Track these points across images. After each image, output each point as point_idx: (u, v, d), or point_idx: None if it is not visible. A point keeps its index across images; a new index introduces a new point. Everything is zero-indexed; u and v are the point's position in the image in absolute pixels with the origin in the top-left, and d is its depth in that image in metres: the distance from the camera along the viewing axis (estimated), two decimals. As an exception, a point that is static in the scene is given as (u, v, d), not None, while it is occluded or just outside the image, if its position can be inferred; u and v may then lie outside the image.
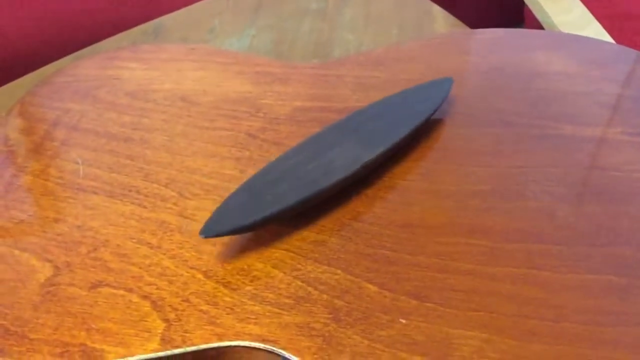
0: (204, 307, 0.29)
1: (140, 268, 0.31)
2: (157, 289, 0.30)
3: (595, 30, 0.67)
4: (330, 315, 0.29)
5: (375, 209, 0.33)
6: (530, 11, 0.74)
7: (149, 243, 0.32)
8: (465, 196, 0.33)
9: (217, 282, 0.30)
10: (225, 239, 0.32)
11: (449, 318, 0.28)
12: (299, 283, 0.30)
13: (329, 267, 0.31)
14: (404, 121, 0.36)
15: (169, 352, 0.27)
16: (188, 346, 0.28)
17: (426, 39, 0.44)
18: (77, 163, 0.36)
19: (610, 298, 0.28)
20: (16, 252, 0.32)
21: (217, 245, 0.32)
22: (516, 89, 0.40)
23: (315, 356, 0.27)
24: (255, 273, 0.30)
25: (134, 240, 0.32)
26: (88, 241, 0.32)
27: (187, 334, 0.28)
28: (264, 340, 0.28)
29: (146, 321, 0.29)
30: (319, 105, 0.39)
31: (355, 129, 0.36)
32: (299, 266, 0.31)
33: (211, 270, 0.31)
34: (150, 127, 0.38)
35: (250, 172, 0.35)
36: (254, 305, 0.29)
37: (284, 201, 0.31)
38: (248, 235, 0.32)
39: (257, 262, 0.31)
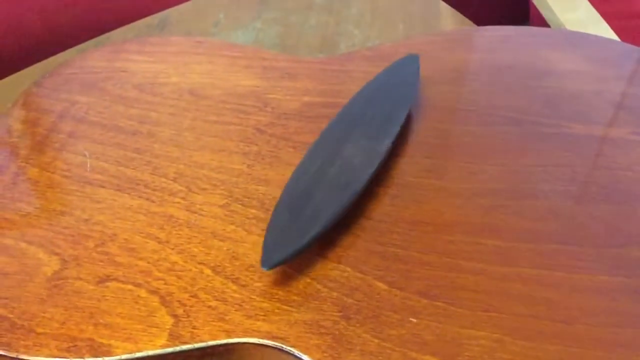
0: (213, 303, 0.29)
1: (148, 263, 0.31)
2: (166, 284, 0.30)
3: (601, 29, 0.67)
4: (340, 313, 0.28)
5: (385, 206, 0.33)
6: (535, 9, 0.74)
7: (157, 237, 0.32)
8: (475, 194, 0.33)
9: (226, 277, 0.30)
10: (229, 230, 0.32)
11: (460, 318, 0.28)
12: (308, 280, 0.30)
13: (338, 264, 0.30)
14: (394, 106, 0.36)
15: (177, 349, 0.27)
16: (196, 342, 0.27)
17: (435, 35, 0.44)
18: (84, 156, 0.36)
19: (623, 300, 0.28)
20: (23, 244, 0.32)
21: (227, 241, 0.31)
22: (526, 87, 0.39)
23: (325, 354, 0.27)
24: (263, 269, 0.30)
25: (142, 235, 0.32)
26: (95, 235, 0.32)
27: (196, 330, 0.28)
28: (273, 338, 0.28)
29: (154, 316, 0.28)
30: (328, 101, 0.39)
31: (356, 122, 0.36)
32: (308, 263, 0.30)
33: (219, 265, 0.30)
34: (158, 121, 0.38)
35: (258, 167, 0.35)
36: (263, 301, 0.29)
37: (325, 213, 0.31)
38: (257, 231, 0.32)
39: (266, 258, 0.31)
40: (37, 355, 0.27)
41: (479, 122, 0.37)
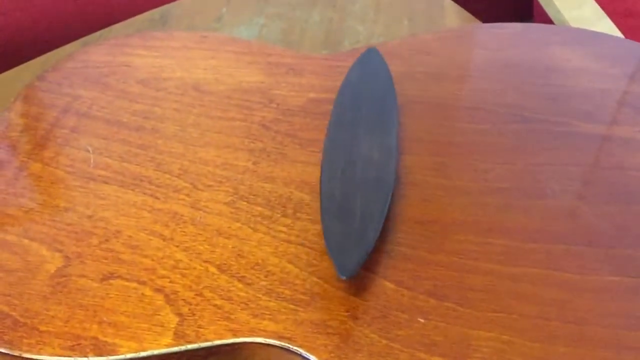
0: (218, 302, 0.28)
1: (152, 260, 0.30)
2: (170, 282, 0.29)
3: (606, 26, 0.66)
4: (347, 313, 0.28)
5: (392, 205, 0.32)
6: (539, 6, 0.73)
7: (162, 235, 0.31)
8: (484, 193, 0.33)
9: (232, 276, 0.30)
10: (235, 228, 0.31)
11: (469, 318, 0.28)
12: (315, 279, 0.29)
13: (345, 263, 0.30)
14: (381, 101, 0.37)
15: (182, 348, 0.27)
16: (202, 342, 0.27)
17: (443, 32, 0.44)
18: (88, 151, 0.35)
19: (634, 301, 0.28)
20: (25, 241, 0.31)
21: (232, 239, 0.31)
22: (535, 85, 0.39)
23: (332, 355, 0.27)
24: (270, 268, 0.30)
25: (146, 232, 0.31)
26: (99, 232, 0.31)
27: (201, 329, 0.28)
28: (279, 337, 0.27)
29: (159, 315, 0.28)
30: (333, 98, 0.38)
31: (354, 120, 0.35)
32: (315, 262, 0.30)
33: (225, 264, 0.30)
34: (162, 116, 0.38)
35: (264, 164, 0.35)
36: (269, 301, 0.29)
37: (375, 211, 0.31)
38: (262, 229, 0.31)
39: (272, 256, 0.30)
40: (40, 354, 0.27)
41: (487, 120, 0.37)
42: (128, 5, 0.62)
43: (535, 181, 0.33)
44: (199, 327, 0.28)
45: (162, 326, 0.28)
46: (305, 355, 0.27)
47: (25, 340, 0.27)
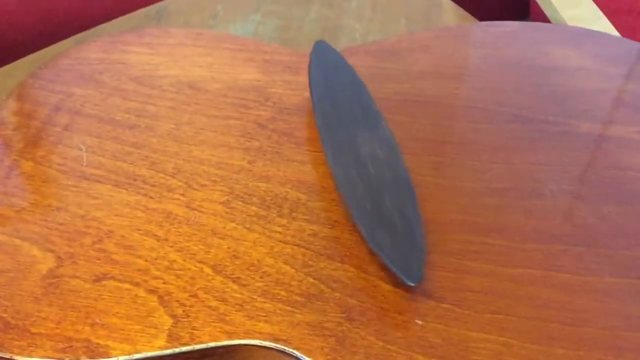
0: (213, 303, 0.28)
1: (146, 261, 0.30)
2: (164, 283, 0.29)
3: (603, 25, 0.66)
4: (344, 315, 0.28)
5: (390, 205, 0.32)
6: (536, 4, 0.73)
7: (156, 235, 0.31)
8: (482, 193, 0.33)
9: (226, 277, 0.29)
10: (230, 228, 0.31)
11: (467, 320, 0.27)
12: (311, 280, 0.29)
13: (342, 264, 0.30)
14: (356, 93, 0.37)
15: (176, 350, 0.26)
16: (196, 344, 0.27)
17: (439, 30, 0.43)
18: (81, 150, 0.35)
19: (633, 302, 0.28)
20: (17, 241, 0.31)
21: (227, 239, 0.31)
22: (532, 84, 0.39)
23: (328, 357, 0.26)
24: (265, 269, 0.29)
25: (139, 232, 0.31)
26: (92, 231, 0.31)
27: (196, 331, 0.27)
28: (275, 340, 0.27)
29: (153, 317, 0.28)
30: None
31: (341, 117, 0.35)
32: (311, 262, 0.30)
33: (220, 264, 0.30)
34: (156, 114, 0.37)
35: (260, 163, 0.34)
36: (265, 302, 0.28)
37: (410, 212, 0.30)
38: (258, 229, 0.31)
39: (267, 257, 0.30)
40: (31, 356, 0.26)
41: (485, 119, 0.36)
42: (123, 2, 0.61)
43: (534, 181, 0.33)
44: (193, 329, 0.27)
45: (155, 328, 0.27)
46: (301, 358, 0.26)
47: (16, 343, 0.27)
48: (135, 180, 0.33)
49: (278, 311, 0.28)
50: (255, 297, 0.28)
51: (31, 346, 0.27)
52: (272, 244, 0.30)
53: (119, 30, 0.52)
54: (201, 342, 0.27)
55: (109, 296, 0.28)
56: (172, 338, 0.27)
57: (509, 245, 0.30)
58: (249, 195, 0.33)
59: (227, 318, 0.28)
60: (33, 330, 0.27)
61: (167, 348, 0.27)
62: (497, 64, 0.40)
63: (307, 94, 0.38)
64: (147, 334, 0.27)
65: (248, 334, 0.27)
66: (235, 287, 0.29)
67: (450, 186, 0.33)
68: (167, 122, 0.37)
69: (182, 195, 0.33)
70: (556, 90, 0.38)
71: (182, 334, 0.27)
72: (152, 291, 0.28)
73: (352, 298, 0.28)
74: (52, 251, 0.30)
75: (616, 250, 0.30)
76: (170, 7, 0.57)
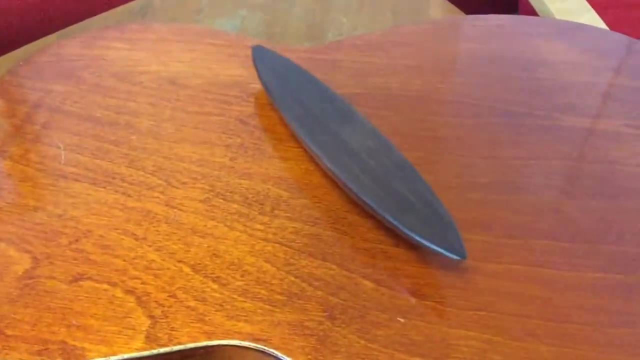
0: (192, 303, 0.28)
1: (124, 261, 0.29)
2: (142, 283, 0.28)
3: (591, 18, 0.66)
4: (325, 313, 0.27)
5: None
6: (525, -3, 0.73)
7: (134, 234, 0.30)
8: (465, 189, 0.32)
9: (206, 276, 0.29)
10: (210, 226, 0.30)
11: (449, 317, 0.27)
12: (292, 278, 0.29)
13: (323, 262, 0.29)
14: (314, 89, 0.36)
15: (154, 352, 0.26)
16: (175, 345, 0.26)
17: (426, 24, 0.43)
18: (59, 148, 0.34)
19: (616, 298, 0.27)
20: (-7, 241, 0.30)
21: (207, 238, 0.30)
22: (518, 78, 0.38)
23: (309, 357, 0.26)
24: (246, 267, 0.29)
25: (118, 231, 0.30)
26: (69, 231, 0.30)
27: (174, 332, 0.27)
28: (255, 340, 0.26)
29: (130, 318, 0.27)
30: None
31: (316, 117, 0.34)
32: (292, 261, 0.29)
33: (199, 263, 0.29)
34: (137, 111, 0.36)
35: (241, 160, 0.34)
36: (245, 301, 0.28)
37: (425, 192, 0.30)
38: (239, 227, 0.31)
39: (248, 255, 0.29)
40: (6, 359, 0.26)
41: (470, 114, 0.36)
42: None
43: (519, 176, 0.33)
44: (172, 329, 0.27)
45: (133, 329, 0.27)
46: (282, 358, 0.26)
47: (-10, 345, 0.26)
48: (114, 178, 0.33)
49: (258, 310, 0.27)
50: (235, 296, 0.28)
51: (6, 349, 0.26)
52: (254, 242, 0.30)
53: (103, 26, 0.51)
54: (179, 343, 0.26)
55: (86, 297, 0.28)
56: (150, 339, 0.26)
57: (492, 240, 0.30)
58: (230, 192, 0.32)
59: (207, 318, 0.27)
60: (8, 332, 0.27)
61: (144, 350, 0.26)
62: (484, 58, 0.40)
63: (290, 89, 0.38)
64: (125, 335, 0.27)
65: (227, 334, 0.27)
66: (215, 286, 0.28)
67: (435, 181, 0.32)
68: (148, 119, 0.36)
69: (162, 193, 0.32)
70: (543, 84, 0.38)
71: (160, 335, 0.27)
72: (129, 291, 0.28)
73: (334, 296, 0.28)
74: (28, 252, 0.30)
75: (601, 245, 0.30)
76: (155, 2, 0.56)
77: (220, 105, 0.37)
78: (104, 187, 0.32)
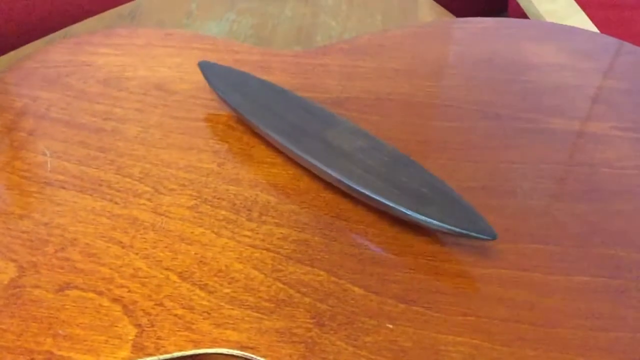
0: (179, 312, 0.27)
1: (110, 269, 0.29)
2: (129, 291, 0.28)
3: (580, 20, 0.66)
4: (313, 320, 0.27)
5: (360, 207, 0.32)
6: (514, -1, 0.73)
7: (121, 242, 0.30)
8: (454, 193, 0.32)
9: (193, 284, 0.28)
10: (197, 233, 0.30)
11: (437, 322, 0.27)
12: (280, 285, 0.28)
13: (311, 268, 0.29)
14: (282, 98, 0.35)
15: (141, 361, 0.26)
16: (162, 354, 0.26)
17: (413, 28, 0.43)
18: (45, 155, 0.34)
19: (604, 302, 0.27)
20: (-22, 251, 0.30)
21: (195, 245, 0.30)
22: (505, 81, 0.38)
23: (297, 364, 0.26)
24: (233, 274, 0.29)
25: (104, 239, 0.30)
26: (55, 240, 0.30)
27: (161, 341, 0.26)
28: (242, 347, 0.26)
29: (117, 327, 0.27)
30: (302, 96, 0.37)
31: (296, 126, 0.34)
32: (280, 267, 0.29)
33: (187, 271, 0.29)
34: (123, 117, 0.36)
35: (229, 166, 0.34)
36: (232, 309, 0.28)
37: (434, 182, 0.31)
38: (227, 233, 0.30)
39: (236, 262, 0.29)
40: (-10, 370, 0.26)
41: (458, 117, 0.36)
42: (96, 2, 0.60)
43: (506, 180, 0.33)
44: (159, 338, 0.27)
45: (119, 338, 0.27)
46: (270, 365, 0.26)
47: (-25, 356, 0.26)
48: (100, 185, 0.33)
49: (246, 318, 0.27)
50: (222, 304, 0.28)
51: (-10, 360, 0.26)
52: (241, 249, 0.30)
53: (91, 30, 0.51)
54: (166, 352, 0.26)
55: (72, 306, 0.28)
56: (137, 348, 0.26)
57: (480, 245, 0.30)
58: (218, 199, 0.32)
59: (194, 326, 0.27)
60: (-7, 343, 0.26)
61: (131, 359, 0.26)
62: (472, 61, 0.40)
63: (278, 94, 0.38)
64: (111, 344, 0.26)
65: (215, 343, 0.26)
66: (203, 294, 0.28)
67: (423, 186, 0.32)
68: (134, 125, 0.36)
69: (149, 200, 0.32)
70: (530, 87, 0.38)
71: (146, 343, 0.26)
72: (116, 300, 0.28)
73: (322, 303, 0.28)
74: (14, 260, 0.29)
75: (588, 249, 0.30)
76: (144, 6, 0.56)
77: (208, 110, 0.37)
78: (91, 195, 0.32)
